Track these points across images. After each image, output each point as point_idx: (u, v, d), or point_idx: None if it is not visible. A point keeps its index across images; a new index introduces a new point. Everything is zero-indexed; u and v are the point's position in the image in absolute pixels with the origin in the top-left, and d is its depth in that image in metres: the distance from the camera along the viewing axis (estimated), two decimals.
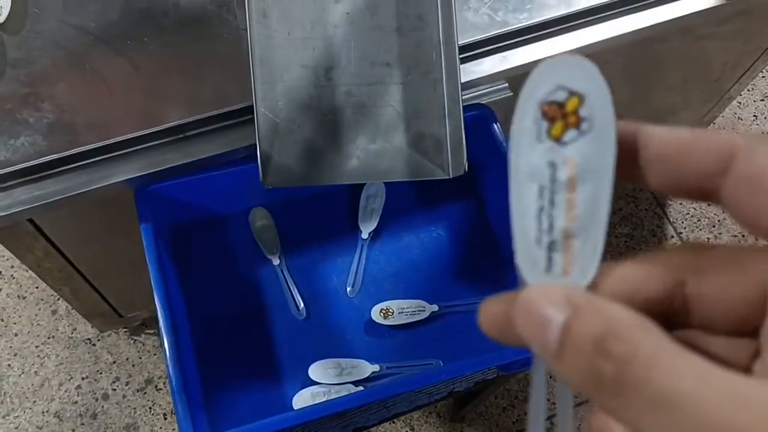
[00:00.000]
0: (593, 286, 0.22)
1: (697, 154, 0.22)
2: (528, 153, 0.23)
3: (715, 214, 1.29)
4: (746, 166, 0.21)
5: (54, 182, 0.68)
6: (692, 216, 1.31)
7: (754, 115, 1.38)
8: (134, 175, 0.69)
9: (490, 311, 0.24)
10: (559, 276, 0.22)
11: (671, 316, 0.22)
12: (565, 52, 0.22)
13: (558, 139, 0.23)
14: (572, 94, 0.23)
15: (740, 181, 0.21)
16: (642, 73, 0.94)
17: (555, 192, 0.23)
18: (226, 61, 0.71)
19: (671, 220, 1.30)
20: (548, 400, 0.23)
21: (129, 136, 0.69)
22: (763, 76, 1.38)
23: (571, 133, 0.23)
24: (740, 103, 1.38)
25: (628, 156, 0.23)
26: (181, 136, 0.70)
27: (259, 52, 0.64)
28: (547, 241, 0.23)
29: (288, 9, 0.65)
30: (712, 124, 1.32)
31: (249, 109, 0.69)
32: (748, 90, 1.38)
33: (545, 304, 0.20)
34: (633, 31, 0.77)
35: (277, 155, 0.65)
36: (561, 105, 0.23)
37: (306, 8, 0.65)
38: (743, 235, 1.28)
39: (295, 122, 0.65)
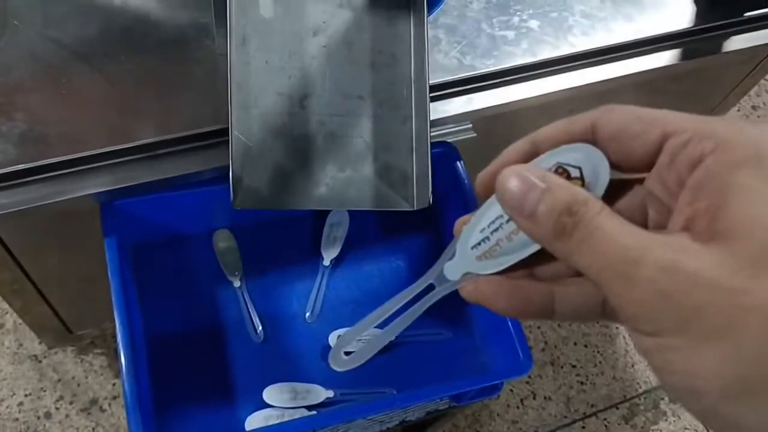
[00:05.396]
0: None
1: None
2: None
3: None
4: (606, 128, 0.30)
5: (21, 192, 0.68)
6: None
7: None
8: (102, 189, 0.70)
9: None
10: (477, 255, 0.32)
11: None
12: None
13: None
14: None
15: (606, 141, 0.30)
16: None
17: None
18: (201, 84, 0.72)
19: None
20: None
21: (99, 150, 0.69)
22: None
23: None
24: None
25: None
26: (151, 153, 0.71)
27: (236, 77, 0.66)
28: (485, 236, 0.32)
29: (267, 38, 0.67)
30: None
31: (219, 132, 0.70)
32: None
33: (530, 174, 0.29)
34: (592, 83, 0.81)
35: (248, 178, 0.66)
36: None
37: (285, 38, 0.67)
38: None
39: (267, 147, 0.67)
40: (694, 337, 0.24)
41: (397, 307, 0.38)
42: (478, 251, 0.32)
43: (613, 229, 0.26)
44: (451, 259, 0.34)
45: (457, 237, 0.34)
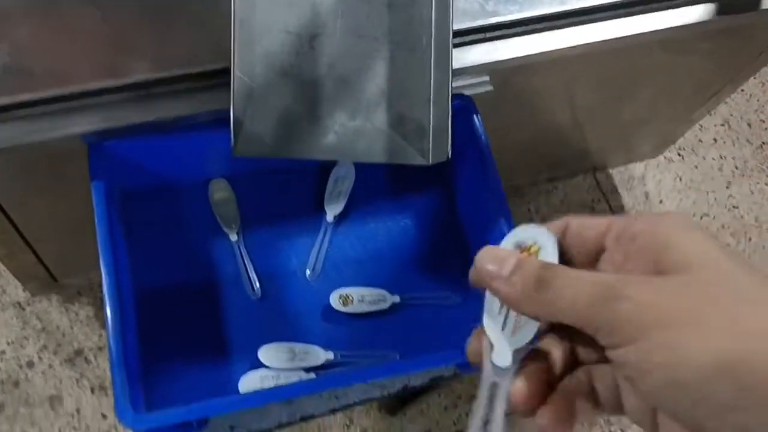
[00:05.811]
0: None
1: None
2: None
3: None
4: (574, 223, 0.36)
5: (2, 129, 0.63)
6: None
7: (714, 139, 1.40)
8: (91, 129, 0.65)
9: (472, 344, 0.37)
10: (509, 334, 0.35)
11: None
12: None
13: None
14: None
15: (572, 235, 0.36)
16: (618, 81, 0.94)
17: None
18: (201, 19, 0.67)
19: None
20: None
21: (89, 87, 0.65)
22: (725, 102, 1.41)
23: None
24: (702, 126, 1.40)
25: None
26: (145, 93, 0.67)
27: (240, 11, 0.60)
28: (503, 317, 0.36)
29: None
30: (673, 145, 1.34)
31: (220, 72, 0.66)
32: (710, 114, 1.40)
33: (501, 251, 0.35)
34: (619, 38, 0.76)
35: (249, 123, 0.61)
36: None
37: None
38: None
39: (272, 89, 0.61)
40: (677, 330, 0.28)
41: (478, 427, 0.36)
42: (507, 329, 0.35)
43: (584, 273, 0.32)
44: (491, 351, 0.36)
45: (484, 346, 0.36)
